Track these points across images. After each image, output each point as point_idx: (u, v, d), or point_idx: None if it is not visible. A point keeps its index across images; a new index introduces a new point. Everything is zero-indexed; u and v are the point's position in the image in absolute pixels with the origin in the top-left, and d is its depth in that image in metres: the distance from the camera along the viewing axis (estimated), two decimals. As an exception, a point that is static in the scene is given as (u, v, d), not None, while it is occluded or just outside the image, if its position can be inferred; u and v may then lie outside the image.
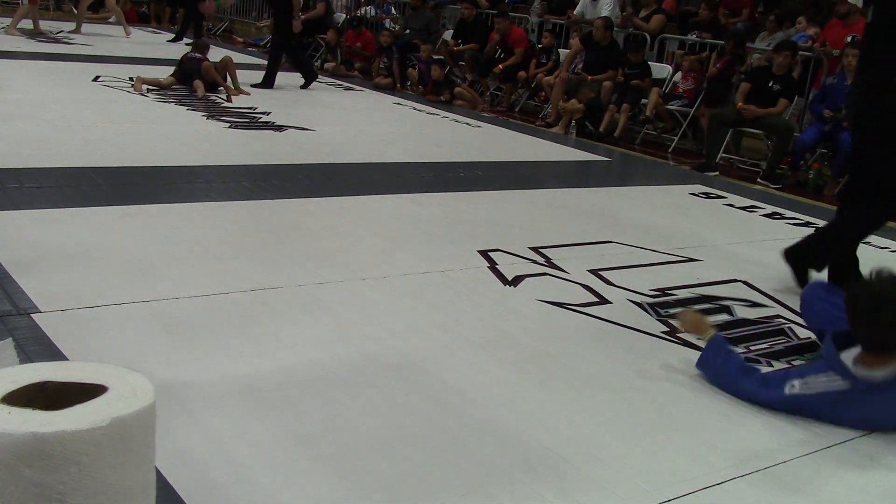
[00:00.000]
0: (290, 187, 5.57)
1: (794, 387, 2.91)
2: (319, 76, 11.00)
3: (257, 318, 3.37)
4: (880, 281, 2.79)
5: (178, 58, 9.60)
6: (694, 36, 10.49)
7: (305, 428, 2.58)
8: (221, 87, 9.22)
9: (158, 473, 1.89)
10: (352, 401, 2.78)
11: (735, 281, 4.49)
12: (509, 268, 4.29)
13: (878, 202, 4.11)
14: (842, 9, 8.62)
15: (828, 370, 2.88)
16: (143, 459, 1.69)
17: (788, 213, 6.40)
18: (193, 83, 9.05)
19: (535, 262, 4.45)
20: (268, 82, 10.10)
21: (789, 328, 3.89)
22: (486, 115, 10.36)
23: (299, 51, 11.01)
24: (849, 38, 8.06)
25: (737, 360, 3.16)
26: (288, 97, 9.83)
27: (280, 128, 7.66)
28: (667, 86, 9.85)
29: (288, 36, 10.29)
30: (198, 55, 9.42)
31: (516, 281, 4.12)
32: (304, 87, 10.40)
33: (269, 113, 8.35)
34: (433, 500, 2.29)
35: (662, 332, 3.67)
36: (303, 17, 11.32)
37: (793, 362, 3.48)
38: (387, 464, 2.43)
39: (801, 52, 8.62)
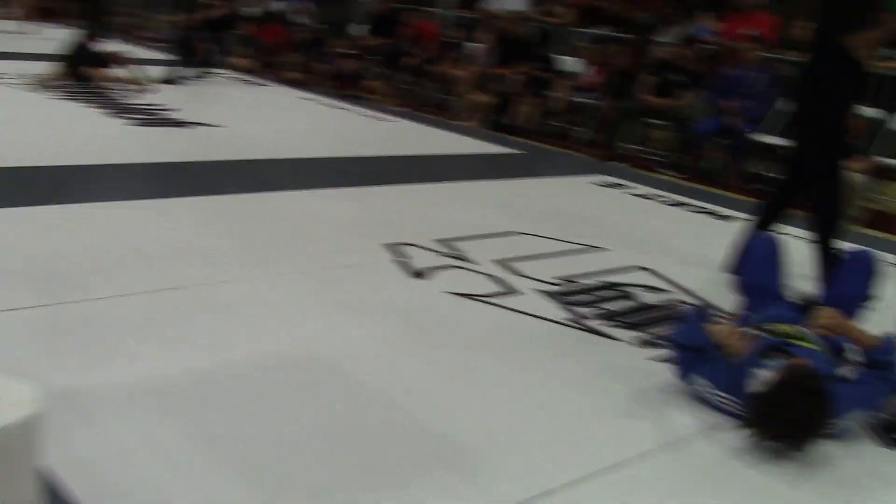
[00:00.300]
0: (195, 185, 5.48)
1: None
2: (229, 71, 10.90)
3: (160, 320, 3.31)
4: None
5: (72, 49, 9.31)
6: (600, 30, 10.67)
7: (213, 431, 2.55)
8: (126, 83, 9.02)
9: (58, 483, 1.84)
10: (260, 401, 2.76)
11: (638, 268, 4.60)
12: (417, 260, 4.32)
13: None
14: (742, 3, 8.89)
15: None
16: (23, 473, 1.63)
17: (690, 201, 6.59)
18: (89, 71, 8.82)
19: (442, 254, 4.49)
20: (174, 79, 9.92)
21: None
22: (397, 109, 10.36)
23: (201, 43, 10.90)
24: (748, 32, 8.32)
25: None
26: (195, 93, 9.66)
27: (188, 125, 7.52)
28: (575, 79, 10.00)
29: (190, 28, 10.22)
30: (92, 44, 9.18)
31: (424, 274, 4.14)
32: (194, 78, 10.35)
33: (177, 110, 8.19)
34: (345, 497, 2.30)
35: (568, 320, 3.75)
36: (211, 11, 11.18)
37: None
38: (298, 464, 2.42)
39: (702, 46, 8.87)
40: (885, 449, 2.86)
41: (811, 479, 2.62)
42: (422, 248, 4.54)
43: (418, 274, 4.13)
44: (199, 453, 2.42)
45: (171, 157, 6.19)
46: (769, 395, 2.68)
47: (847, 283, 3.45)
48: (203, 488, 2.26)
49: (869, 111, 7.21)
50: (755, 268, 3.58)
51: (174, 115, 7.92)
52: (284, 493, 2.28)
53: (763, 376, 2.77)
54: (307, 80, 11.68)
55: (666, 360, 3.20)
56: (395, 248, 4.47)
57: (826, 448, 2.75)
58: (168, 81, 10.05)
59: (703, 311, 3.44)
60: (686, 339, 3.09)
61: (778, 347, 2.92)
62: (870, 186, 6.69)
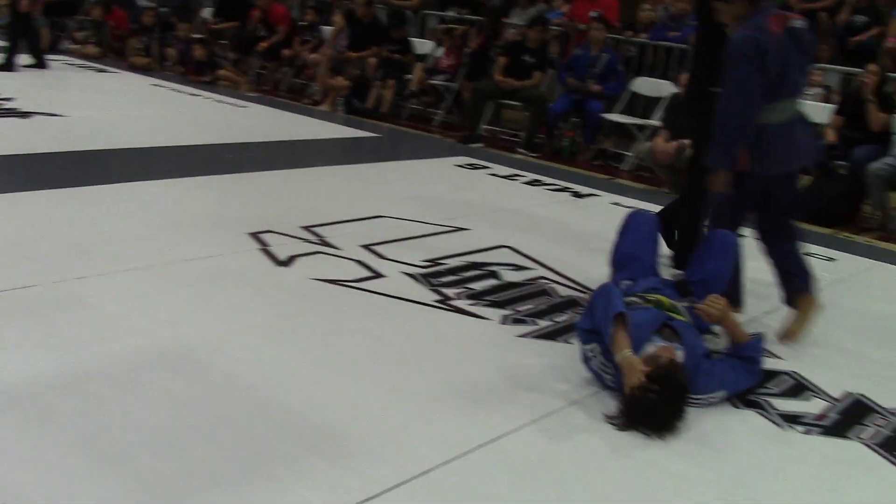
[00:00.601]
0: (38, 178, 5.20)
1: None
2: (72, 57, 10.40)
3: (11, 320, 3.14)
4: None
5: None
6: (453, 12, 10.77)
7: (76, 432, 2.45)
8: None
9: None
10: (124, 399, 2.67)
11: (501, 247, 4.69)
12: (281, 248, 4.26)
13: None
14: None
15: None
16: None
17: (547, 180, 6.76)
18: None
19: (307, 241, 4.45)
20: (9, 65, 9.39)
21: (550, 288, 4.14)
22: (251, 94, 10.15)
23: (40, 28, 10.36)
24: (593, 13, 8.58)
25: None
26: (34, 81, 9.16)
27: (26, 114, 7.12)
28: (430, 61, 10.07)
29: (27, 12, 9.70)
30: None
31: (289, 261, 4.10)
32: (32, 65, 9.93)
33: (13, 99, 7.73)
34: (216, 490, 2.26)
35: (436, 302, 3.79)
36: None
37: (556, 319, 3.71)
38: (166, 460, 2.36)
39: (552, 27, 9.10)
40: (739, 414, 3.05)
41: (675, 445, 2.77)
42: (286, 235, 4.48)
43: (284, 262, 4.08)
44: (64, 457, 2.32)
45: (3, 150, 5.83)
46: (637, 395, 2.78)
47: (711, 261, 3.62)
48: (74, 491, 2.17)
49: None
50: (633, 241, 3.72)
51: (8, 105, 7.48)
52: (157, 490, 2.22)
53: (649, 351, 2.91)
54: (156, 67, 11.27)
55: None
56: (260, 237, 4.40)
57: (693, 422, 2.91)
58: (2, 68, 9.49)
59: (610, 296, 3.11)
60: (595, 323, 3.04)
61: (664, 323, 3.05)
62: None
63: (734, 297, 3.85)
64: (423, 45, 10.27)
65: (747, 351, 3.14)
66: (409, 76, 9.70)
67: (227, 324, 3.31)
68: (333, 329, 3.38)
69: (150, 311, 3.36)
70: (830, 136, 6.92)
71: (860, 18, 8.44)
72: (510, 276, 4.24)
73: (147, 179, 5.42)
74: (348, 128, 8.58)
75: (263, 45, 11.03)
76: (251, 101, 9.46)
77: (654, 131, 7.55)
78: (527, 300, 3.93)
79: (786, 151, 3.66)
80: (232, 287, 3.71)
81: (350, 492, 2.30)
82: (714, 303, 3.17)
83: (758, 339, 3.22)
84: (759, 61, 3.47)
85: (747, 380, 3.12)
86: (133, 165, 5.87)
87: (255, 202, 5.15)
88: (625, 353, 2.83)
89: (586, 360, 3.07)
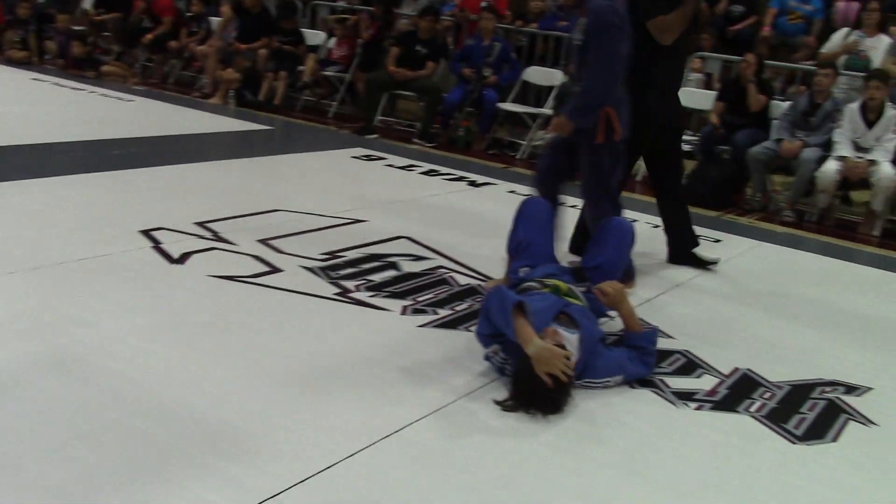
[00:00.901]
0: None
1: None
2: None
3: None
4: None
5: None
6: (344, 2, 10.68)
7: (-44, 442, 2.34)
8: None
9: None
10: (12, 406, 2.56)
11: (399, 237, 4.70)
12: (175, 245, 4.16)
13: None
14: (475, -25, 9.24)
15: None
16: None
17: (443, 170, 6.80)
18: None
19: (201, 237, 4.35)
20: None
21: (450, 277, 4.17)
22: (138, 88, 9.85)
23: None
24: (483, 4, 8.66)
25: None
26: None
27: None
28: (322, 52, 9.98)
29: None
30: None
31: (184, 258, 4.00)
32: None
33: None
34: (113, 495, 2.19)
35: (335, 294, 3.77)
36: None
37: (456, 307, 3.74)
38: (59, 468, 2.28)
39: (444, 18, 9.13)
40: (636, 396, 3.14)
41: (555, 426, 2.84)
42: (179, 232, 4.37)
43: (178, 260, 3.98)
44: (-52, 473, 2.21)
45: None
46: (524, 378, 2.83)
47: (606, 248, 3.71)
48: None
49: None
50: (529, 228, 3.77)
51: None
52: (47, 499, 2.14)
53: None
54: (35, 60, 10.81)
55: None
56: (151, 235, 4.28)
57: (590, 403, 2.98)
58: None
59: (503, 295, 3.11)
60: (494, 325, 3.03)
61: (560, 310, 3.10)
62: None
63: (628, 273, 4.04)
64: (315, 36, 10.16)
65: (641, 341, 3.22)
66: (302, 67, 9.59)
67: (119, 325, 3.21)
68: (231, 326, 3.32)
69: (38, 314, 3.23)
70: (714, 119, 7.18)
71: (738, 8, 8.78)
72: (409, 266, 4.25)
73: (30, 178, 5.20)
74: (241, 121, 8.43)
75: (148, 36, 10.71)
76: (138, 95, 9.18)
77: (548, 120, 7.68)
78: (426, 290, 3.95)
79: (628, 117, 4.01)
80: (124, 287, 3.60)
81: (253, 490, 2.27)
82: (611, 285, 3.25)
83: (653, 330, 3.32)
84: (622, 30, 3.80)
85: (642, 370, 3.20)
86: (14, 163, 5.62)
87: (146, 199, 5.00)
88: (535, 342, 2.84)
89: (488, 358, 3.11)
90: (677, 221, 4.81)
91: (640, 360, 3.19)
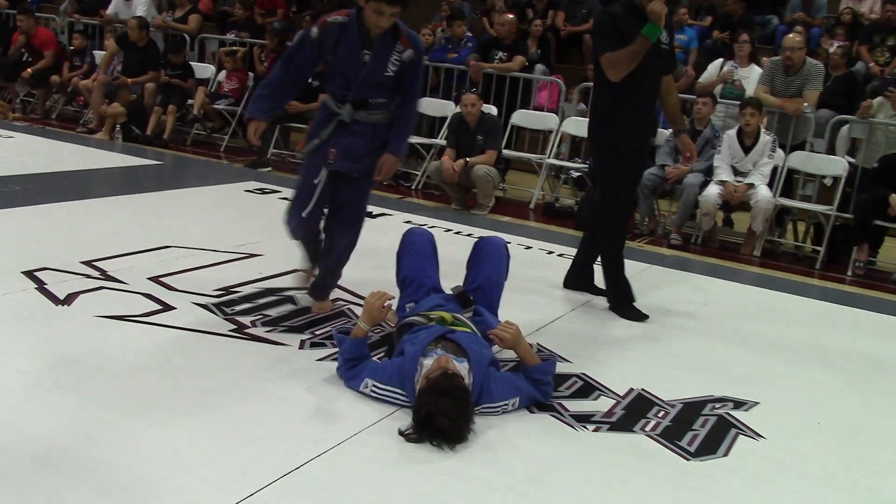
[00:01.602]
0: None
1: None
2: None
3: None
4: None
5: None
6: (233, 35, 10.59)
7: None
8: None
9: None
10: None
11: (295, 271, 4.65)
12: (61, 286, 4.01)
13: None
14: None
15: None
16: None
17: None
18: None
19: (89, 276, 4.21)
20: None
21: (348, 309, 4.15)
22: (18, 123, 9.51)
23: None
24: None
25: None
26: None
27: None
28: (212, 85, 9.85)
29: None
30: None
31: (70, 299, 3.86)
32: None
33: None
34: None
35: (231, 331, 3.70)
36: None
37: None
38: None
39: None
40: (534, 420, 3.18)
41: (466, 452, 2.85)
42: (66, 272, 4.22)
43: (64, 300, 3.84)
44: None
45: None
46: (422, 408, 2.85)
47: (484, 268, 3.76)
48: None
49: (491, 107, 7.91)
50: (412, 261, 3.79)
51: None
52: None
53: (427, 366, 2.96)
54: None
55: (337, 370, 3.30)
56: (35, 275, 4.12)
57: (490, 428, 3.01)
58: None
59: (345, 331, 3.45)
60: (349, 353, 3.22)
61: (441, 335, 3.13)
62: (496, 177, 7.32)
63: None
64: (204, 70, 10.02)
65: (538, 374, 3.25)
66: (191, 101, 9.43)
67: (5, 371, 3.07)
68: (123, 369, 3.21)
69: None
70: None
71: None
72: (306, 300, 4.21)
73: None
74: (128, 156, 8.21)
75: (29, 70, 10.37)
76: (18, 131, 8.86)
77: (441, 150, 7.77)
78: (324, 323, 3.92)
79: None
80: (6, 330, 3.44)
81: (150, 536, 2.20)
82: (507, 328, 3.27)
83: (551, 361, 3.37)
84: None
85: (539, 395, 3.24)
86: None
87: (28, 238, 4.81)
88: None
89: (376, 396, 3.13)
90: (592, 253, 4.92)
91: (537, 389, 3.23)
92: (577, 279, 4.92)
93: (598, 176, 4.85)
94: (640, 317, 4.52)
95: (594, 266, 4.88)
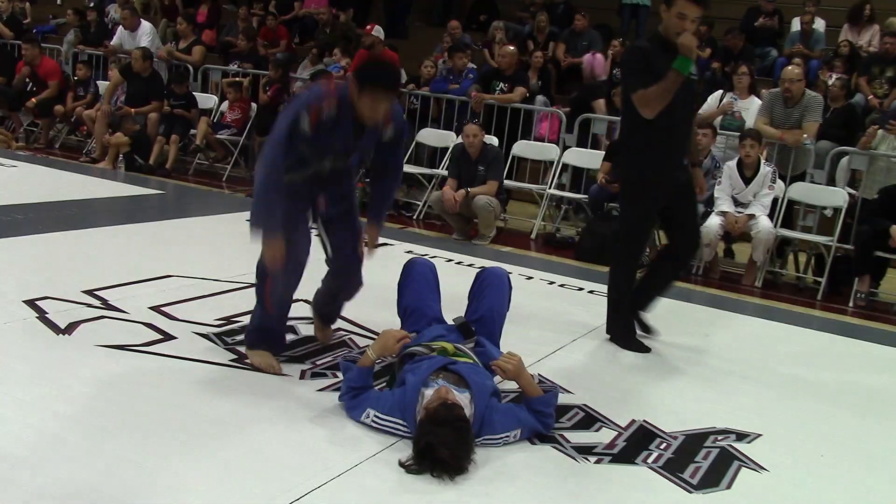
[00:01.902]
0: None
1: None
2: None
3: None
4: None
5: None
6: (236, 66, 10.67)
7: None
8: None
9: None
10: None
11: (297, 300, 4.63)
12: (62, 315, 4.01)
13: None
14: (366, 41, 9.40)
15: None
16: None
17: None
18: None
19: (90, 305, 4.21)
20: None
21: (349, 339, 4.15)
22: (22, 153, 9.55)
23: None
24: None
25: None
26: None
27: None
28: (215, 115, 9.91)
29: None
30: None
31: (71, 328, 3.86)
32: None
33: None
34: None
35: (231, 361, 3.70)
36: None
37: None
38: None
39: (337, 80, 9.21)
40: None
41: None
42: (66, 301, 4.22)
43: (65, 330, 3.84)
44: None
45: None
46: (422, 438, 2.85)
47: (486, 299, 3.76)
48: None
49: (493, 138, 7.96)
50: (413, 292, 3.79)
51: None
52: None
53: (428, 396, 2.95)
54: None
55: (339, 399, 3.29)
56: (37, 304, 4.12)
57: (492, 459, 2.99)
58: None
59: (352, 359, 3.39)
60: (354, 381, 3.22)
61: (443, 366, 3.12)
62: (497, 207, 7.34)
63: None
64: (207, 100, 10.09)
65: (540, 406, 3.23)
66: (194, 131, 9.49)
67: (7, 403, 3.06)
68: (123, 398, 3.20)
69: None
70: (601, 178, 7.42)
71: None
72: (307, 329, 4.21)
73: None
74: (131, 185, 8.25)
75: (33, 100, 10.43)
76: (22, 161, 8.90)
77: (442, 180, 7.80)
78: (325, 353, 3.92)
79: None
80: (7, 360, 3.44)
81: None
82: (509, 360, 3.26)
83: (553, 393, 3.35)
84: None
85: (540, 427, 3.22)
86: None
87: (30, 267, 4.82)
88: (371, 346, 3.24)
89: (377, 427, 3.12)
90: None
91: (539, 421, 3.22)
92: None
93: (622, 207, 4.75)
94: (641, 348, 4.50)
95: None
